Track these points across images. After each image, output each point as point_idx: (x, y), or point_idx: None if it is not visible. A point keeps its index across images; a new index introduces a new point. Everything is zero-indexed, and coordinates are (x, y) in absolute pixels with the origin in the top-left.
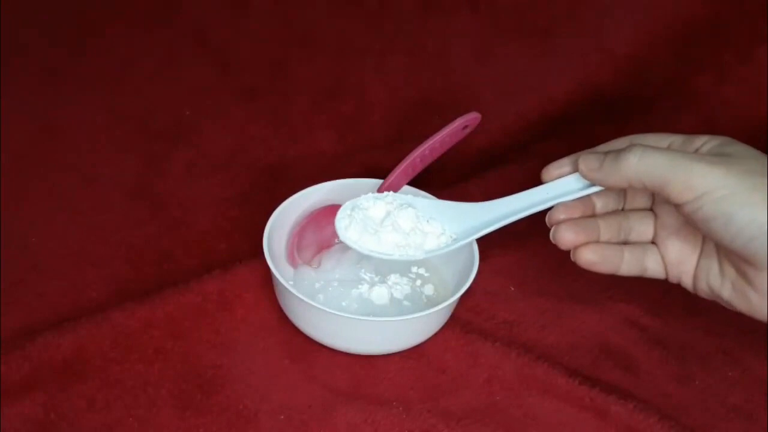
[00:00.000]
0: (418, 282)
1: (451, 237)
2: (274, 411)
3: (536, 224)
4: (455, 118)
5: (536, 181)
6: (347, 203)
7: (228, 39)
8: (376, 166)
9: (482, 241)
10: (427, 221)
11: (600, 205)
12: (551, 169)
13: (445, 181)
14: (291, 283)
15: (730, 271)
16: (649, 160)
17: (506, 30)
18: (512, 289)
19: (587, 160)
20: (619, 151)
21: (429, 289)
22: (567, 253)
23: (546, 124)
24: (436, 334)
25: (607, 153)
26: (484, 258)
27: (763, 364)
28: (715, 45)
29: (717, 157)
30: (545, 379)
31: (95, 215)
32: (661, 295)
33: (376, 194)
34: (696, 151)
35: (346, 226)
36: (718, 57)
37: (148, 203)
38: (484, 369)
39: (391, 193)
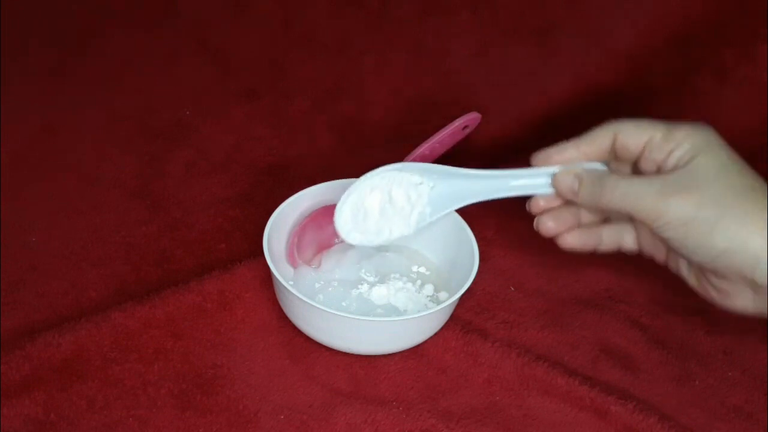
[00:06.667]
0: (418, 282)
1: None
2: (274, 411)
3: None
4: (455, 118)
5: None
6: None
7: (228, 39)
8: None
9: (482, 242)
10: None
11: None
12: (539, 159)
13: None
14: (291, 283)
15: (695, 268)
16: (620, 195)
17: (506, 30)
18: (512, 289)
19: (562, 182)
20: (593, 180)
21: (429, 289)
22: (567, 253)
23: (546, 124)
24: (436, 334)
25: (581, 176)
26: (484, 258)
27: (763, 364)
28: (715, 45)
29: (678, 186)
30: (545, 379)
31: (95, 215)
32: (661, 295)
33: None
34: (671, 153)
35: (348, 230)
36: (718, 57)
37: (148, 203)
38: (484, 369)
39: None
